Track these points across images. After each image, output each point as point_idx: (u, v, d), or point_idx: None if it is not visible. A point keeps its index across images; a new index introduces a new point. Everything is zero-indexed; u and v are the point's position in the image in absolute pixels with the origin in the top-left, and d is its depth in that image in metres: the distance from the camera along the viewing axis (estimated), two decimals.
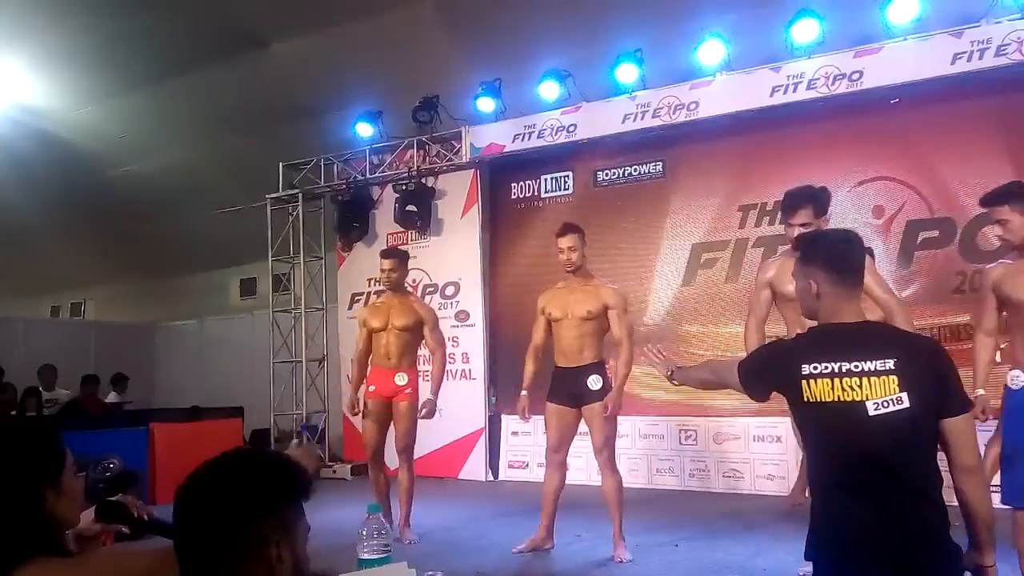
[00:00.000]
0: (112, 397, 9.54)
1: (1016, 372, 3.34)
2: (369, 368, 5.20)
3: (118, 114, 9.29)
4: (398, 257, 5.25)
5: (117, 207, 10.65)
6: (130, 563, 1.62)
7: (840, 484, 2.00)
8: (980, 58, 5.67)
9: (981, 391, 3.41)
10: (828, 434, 2.01)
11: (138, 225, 11.07)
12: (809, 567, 3.74)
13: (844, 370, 1.97)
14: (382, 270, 5.17)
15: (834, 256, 2.14)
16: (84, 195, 10.35)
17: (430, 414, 5.03)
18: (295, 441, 8.40)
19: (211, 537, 1.30)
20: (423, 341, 5.19)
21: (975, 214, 5.92)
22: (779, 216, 6.60)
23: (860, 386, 1.96)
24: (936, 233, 6.06)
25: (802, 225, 3.58)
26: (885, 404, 1.95)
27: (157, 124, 9.38)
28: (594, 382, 4.36)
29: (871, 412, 1.95)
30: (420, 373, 5.28)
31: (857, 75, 6.09)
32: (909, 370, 1.97)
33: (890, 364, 1.97)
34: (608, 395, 4.33)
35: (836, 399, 1.96)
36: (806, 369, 2.00)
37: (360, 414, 5.13)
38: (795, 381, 2.01)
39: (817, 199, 3.67)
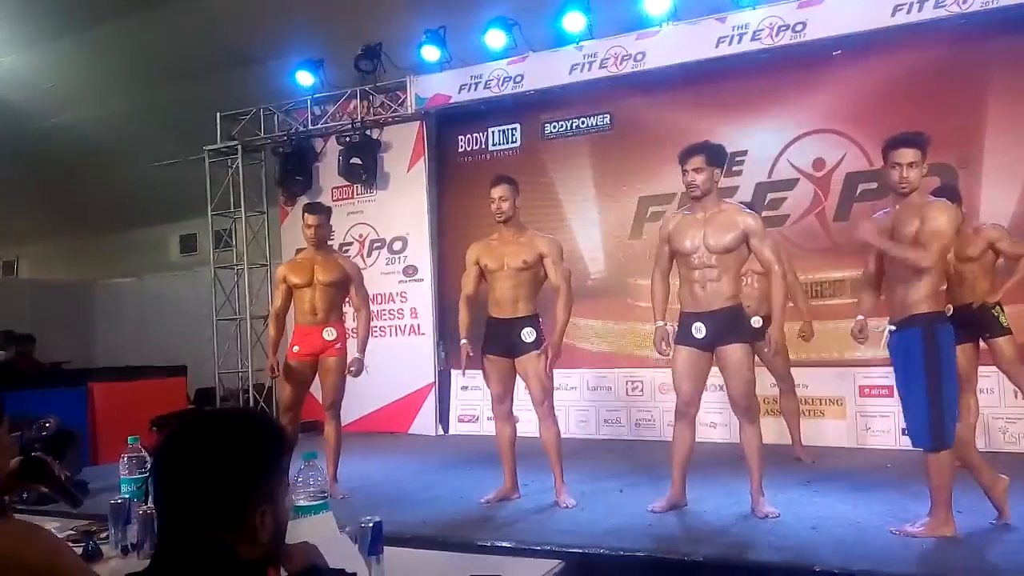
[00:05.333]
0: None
1: (888, 324, 3.54)
2: (293, 327, 5.09)
3: (47, 62, 8.85)
4: (324, 213, 5.08)
5: (49, 161, 10.21)
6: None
7: None
8: (919, 10, 5.74)
9: (861, 316, 3.72)
10: None
11: (72, 179, 10.64)
12: (660, 502, 3.99)
13: None
14: (307, 225, 4.99)
15: None
16: (12, 148, 9.88)
17: (358, 372, 4.95)
18: None
19: (200, 509, 1.24)
20: (348, 298, 5.10)
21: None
22: (724, 168, 6.74)
23: None
24: (874, 185, 6.17)
25: (695, 170, 3.88)
26: None
27: (89, 73, 8.96)
28: (528, 334, 4.35)
29: None
30: (347, 329, 5.17)
31: (800, 26, 6.12)
32: None
33: None
34: (549, 341, 4.33)
35: None
36: None
37: (278, 377, 4.98)
38: None
39: (710, 149, 3.94)
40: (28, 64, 8.85)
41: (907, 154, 3.39)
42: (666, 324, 4.08)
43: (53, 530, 2.15)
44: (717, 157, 3.94)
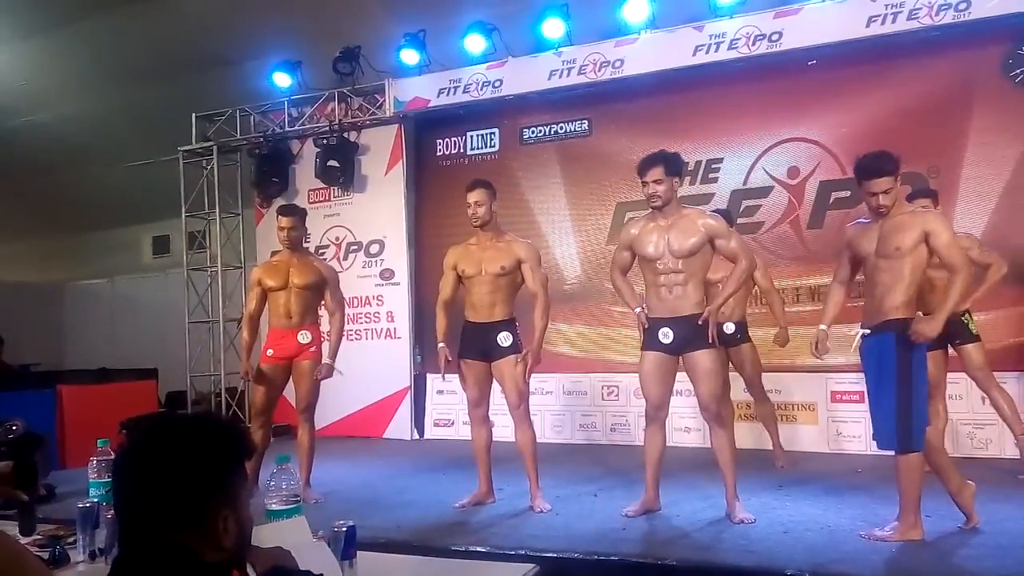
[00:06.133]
0: None
1: (860, 328, 3.61)
2: (268, 330, 5.04)
3: (18, 60, 8.71)
4: (298, 215, 5.01)
5: (20, 159, 10.03)
6: None
7: None
8: (893, 21, 5.83)
9: (823, 326, 3.78)
10: None
11: (43, 179, 10.45)
12: (634, 506, 4.00)
13: None
14: (280, 228, 4.94)
15: None
16: None
17: (326, 375, 4.91)
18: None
19: (161, 513, 1.23)
20: (323, 302, 5.07)
21: None
22: (700, 176, 6.81)
23: None
24: (847, 193, 6.25)
25: (655, 182, 3.92)
26: None
27: (61, 71, 8.83)
28: (504, 339, 4.36)
29: None
30: (322, 333, 5.12)
31: (777, 36, 6.18)
32: None
33: None
34: (529, 349, 4.33)
35: None
36: None
37: (252, 379, 4.96)
38: None
39: (668, 159, 3.98)
40: (1, 60, 8.71)
41: (881, 183, 3.47)
42: (644, 310, 4.09)
43: (18, 535, 2.11)
44: (675, 166, 4.00)
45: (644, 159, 4.00)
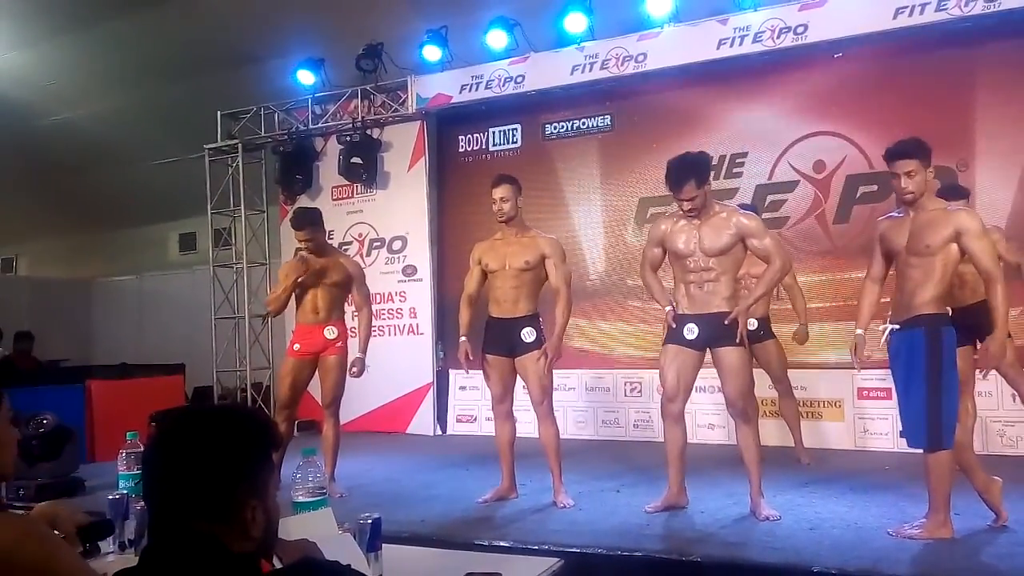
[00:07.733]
0: None
1: (889, 324, 3.54)
2: (294, 326, 5.09)
3: (46, 60, 8.85)
4: (308, 225, 4.90)
5: (47, 158, 10.21)
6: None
7: None
8: (921, 13, 5.74)
9: (860, 331, 3.64)
10: None
11: (71, 177, 10.63)
12: (655, 503, 4.03)
13: None
14: (299, 240, 4.97)
15: None
16: (12, 145, 9.88)
17: (360, 372, 4.94)
18: None
19: (190, 504, 1.25)
20: (349, 297, 5.09)
21: None
22: (724, 170, 6.75)
23: None
24: (875, 187, 6.18)
25: (689, 200, 3.84)
26: None
27: (88, 70, 8.96)
28: (528, 334, 4.35)
29: None
30: (349, 328, 5.14)
31: (802, 28, 6.12)
32: None
33: None
34: (548, 343, 4.32)
35: None
36: None
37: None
38: None
39: (698, 171, 3.87)
40: (28, 61, 8.85)
41: (904, 165, 3.41)
42: (674, 308, 4.05)
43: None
44: (705, 174, 3.90)
45: (672, 172, 3.88)
